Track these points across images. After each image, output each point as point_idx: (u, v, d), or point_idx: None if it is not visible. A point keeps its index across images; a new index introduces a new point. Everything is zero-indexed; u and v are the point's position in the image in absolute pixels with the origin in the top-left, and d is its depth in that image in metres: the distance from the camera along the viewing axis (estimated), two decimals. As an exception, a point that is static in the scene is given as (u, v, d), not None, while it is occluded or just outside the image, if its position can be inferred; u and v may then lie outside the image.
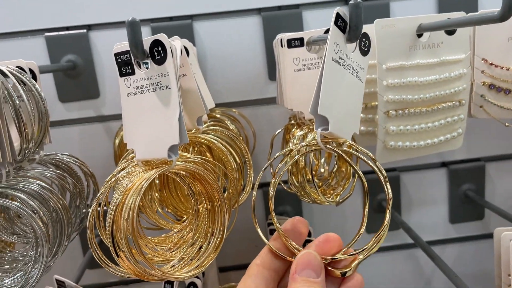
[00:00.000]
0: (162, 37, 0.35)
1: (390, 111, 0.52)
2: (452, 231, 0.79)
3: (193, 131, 0.48)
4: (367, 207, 0.38)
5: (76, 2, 0.66)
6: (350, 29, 0.37)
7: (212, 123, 0.54)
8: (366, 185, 0.38)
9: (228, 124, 0.61)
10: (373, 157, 0.39)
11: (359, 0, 0.36)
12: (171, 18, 0.68)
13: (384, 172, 0.37)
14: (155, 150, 0.37)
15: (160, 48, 0.36)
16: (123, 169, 0.40)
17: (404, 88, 0.52)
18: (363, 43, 0.39)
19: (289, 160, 0.53)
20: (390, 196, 0.36)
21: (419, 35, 0.52)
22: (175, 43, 0.43)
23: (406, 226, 0.65)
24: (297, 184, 0.53)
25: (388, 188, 0.36)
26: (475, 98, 0.58)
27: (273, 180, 0.38)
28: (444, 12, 0.69)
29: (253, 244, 0.77)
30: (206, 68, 0.70)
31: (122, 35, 0.68)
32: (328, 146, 0.38)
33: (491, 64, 0.56)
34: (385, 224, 0.37)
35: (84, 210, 0.51)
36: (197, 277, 0.59)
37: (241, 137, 0.63)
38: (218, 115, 0.63)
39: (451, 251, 0.79)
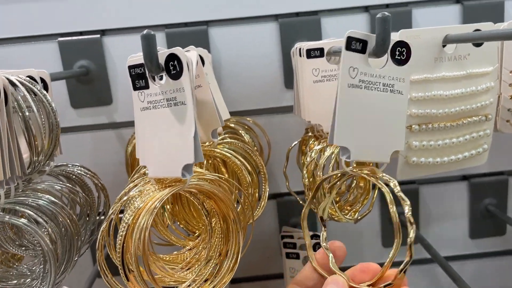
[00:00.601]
0: (178, 51, 0.34)
1: (413, 126, 0.50)
2: (472, 246, 0.76)
3: (207, 144, 0.46)
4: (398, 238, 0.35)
5: (90, 6, 0.65)
6: (377, 44, 0.35)
7: (227, 135, 0.52)
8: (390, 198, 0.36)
9: (243, 134, 0.60)
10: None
11: (387, 14, 0.34)
12: (186, 24, 0.67)
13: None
14: (169, 169, 0.35)
15: (176, 62, 0.34)
16: (135, 186, 0.38)
17: (428, 102, 0.50)
18: (397, 53, 0.37)
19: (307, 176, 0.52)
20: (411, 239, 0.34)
21: (444, 46, 0.50)
22: (191, 55, 0.42)
23: (426, 243, 0.63)
24: (313, 200, 0.51)
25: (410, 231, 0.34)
26: (502, 112, 0.56)
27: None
28: (469, 20, 0.68)
29: (265, 256, 0.75)
30: (220, 75, 0.68)
31: (136, 41, 0.66)
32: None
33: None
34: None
35: (94, 223, 0.50)
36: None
37: (255, 148, 0.62)
38: (232, 125, 0.61)
39: (471, 267, 0.77)
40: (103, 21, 0.65)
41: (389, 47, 0.35)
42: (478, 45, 0.51)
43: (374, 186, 0.56)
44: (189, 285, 0.37)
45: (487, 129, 0.53)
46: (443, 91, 0.49)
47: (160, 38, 0.66)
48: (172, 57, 0.34)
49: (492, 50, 0.52)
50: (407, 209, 0.35)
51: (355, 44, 0.35)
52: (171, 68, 0.34)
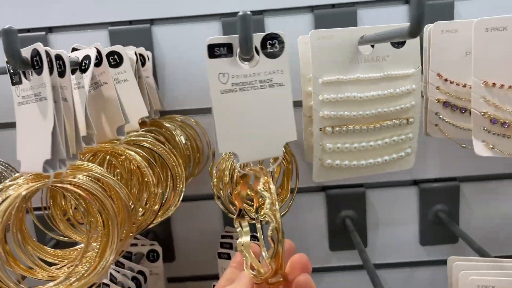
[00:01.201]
0: (38, 46, 0.34)
1: (327, 128, 0.49)
2: (423, 253, 0.74)
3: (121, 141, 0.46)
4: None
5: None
6: (240, 45, 0.34)
7: (142, 132, 0.51)
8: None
9: (176, 134, 0.59)
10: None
11: (247, 12, 0.33)
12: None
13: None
14: (34, 164, 0.35)
15: (38, 58, 0.34)
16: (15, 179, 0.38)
17: (341, 104, 0.49)
18: (269, 46, 0.36)
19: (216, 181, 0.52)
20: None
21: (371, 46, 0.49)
22: (88, 52, 0.42)
23: (361, 247, 0.62)
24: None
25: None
26: (429, 116, 0.54)
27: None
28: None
29: (211, 255, 0.74)
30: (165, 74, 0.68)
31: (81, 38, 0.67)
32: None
33: (446, 80, 0.52)
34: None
35: None
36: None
37: (187, 148, 0.61)
38: (167, 124, 0.61)
39: (422, 274, 0.75)
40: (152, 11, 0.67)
41: (252, 44, 0.34)
42: (398, 46, 0.50)
43: (292, 190, 0.56)
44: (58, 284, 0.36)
45: (410, 132, 0.52)
46: (357, 93, 0.49)
47: (104, 36, 0.67)
48: (36, 53, 0.34)
49: (415, 52, 0.50)
50: (268, 205, 0.34)
51: (219, 50, 0.34)
52: (35, 63, 0.34)
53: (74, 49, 0.48)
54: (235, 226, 0.39)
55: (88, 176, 0.38)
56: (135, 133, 0.51)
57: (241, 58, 0.35)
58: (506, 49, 0.42)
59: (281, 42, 0.36)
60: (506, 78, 0.42)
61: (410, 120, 0.51)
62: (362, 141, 0.50)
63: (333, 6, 0.66)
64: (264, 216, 0.36)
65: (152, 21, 0.67)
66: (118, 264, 0.64)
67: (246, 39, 0.33)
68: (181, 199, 0.52)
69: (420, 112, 0.52)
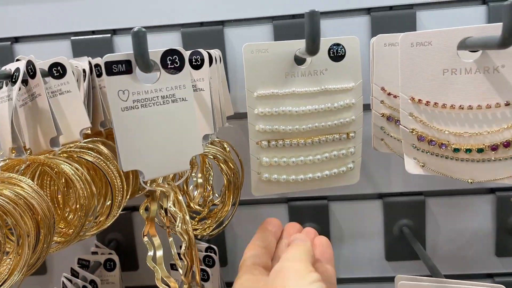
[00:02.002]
0: None
1: (262, 142, 0.49)
2: (389, 269, 0.72)
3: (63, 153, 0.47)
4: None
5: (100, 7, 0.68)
6: (137, 61, 0.34)
7: (83, 144, 0.52)
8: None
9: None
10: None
11: (142, 30, 0.33)
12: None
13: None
14: None
15: None
16: None
17: (276, 118, 0.48)
18: (169, 62, 0.36)
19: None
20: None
21: (301, 61, 0.48)
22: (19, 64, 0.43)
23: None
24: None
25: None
26: (374, 130, 0.53)
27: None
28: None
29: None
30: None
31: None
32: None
33: (389, 94, 0.51)
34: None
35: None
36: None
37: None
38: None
39: (388, 290, 0.73)
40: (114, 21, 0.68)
41: (148, 61, 0.34)
42: (337, 60, 0.49)
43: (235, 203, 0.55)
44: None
45: (351, 147, 0.51)
46: (292, 107, 0.49)
47: (177, 38, 0.67)
48: None
49: (354, 66, 0.50)
50: (179, 224, 0.34)
51: (118, 67, 0.34)
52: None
53: (17, 60, 0.49)
54: (144, 240, 0.39)
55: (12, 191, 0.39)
56: (76, 144, 0.51)
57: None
58: (431, 64, 0.40)
59: (181, 58, 0.36)
60: (432, 94, 0.41)
61: (350, 134, 0.50)
62: (300, 155, 0.49)
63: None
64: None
65: (114, 31, 0.68)
66: (74, 272, 0.64)
67: (142, 56, 0.33)
68: (119, 211, 0.52)
69: (361, 126, 0.51)
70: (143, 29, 0.33)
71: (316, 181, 0.51)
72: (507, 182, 0.40)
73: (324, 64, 0.48)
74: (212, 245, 0.65)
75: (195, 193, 0.57)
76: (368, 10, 0.65)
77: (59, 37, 0.68)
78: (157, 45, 0.67)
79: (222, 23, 0.67)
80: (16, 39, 0.69)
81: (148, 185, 0.36)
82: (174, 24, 0.67)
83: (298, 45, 0.47)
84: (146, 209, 0.42)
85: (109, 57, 0.34)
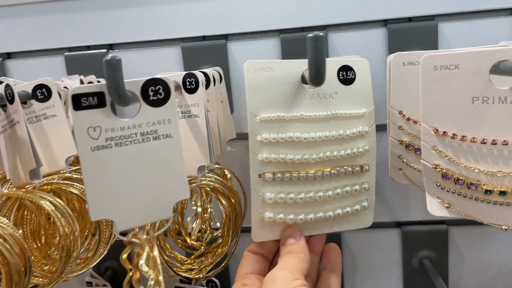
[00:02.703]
0: None
1: (266, 174, 0.42)
2: (408, 304, 0.66)
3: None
4: None
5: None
6: (110, 94, 0.29)
7: (66, 175, 0.47)
8: None
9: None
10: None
11: (115, 57, 0.28)
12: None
13: None
14: None
15: None
16: None
17: (283, 146, 0.42)
18: (151, 93, 0.31)
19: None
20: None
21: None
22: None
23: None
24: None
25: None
26: (392, 159, 0.47)
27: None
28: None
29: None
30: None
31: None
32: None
33: (409, 119, 0.45)
34: None
35: None
36: None
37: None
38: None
39: (407, 327, 0.67)
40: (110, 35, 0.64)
41: (124, 93, 0.29)
42: (347, 83, 0.43)
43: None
44: None
45: (365, 182, 0.44)
46: (301, 133, 0.42)
47: (177, 53, 0.63)
48: None
49: (366, 90, 0.44)
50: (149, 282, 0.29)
51: (88, 100, 0.29)
52: None
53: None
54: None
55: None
56: (60, 175, 0.47)
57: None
58: (458, 91, 0.35)
59: (167, 88, 0.31)
60: (459, 126, 0.35)
61: (364, 167, 0.44)
62: (310, 190, 0.42)
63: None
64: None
65: (110, 46, 0.64)
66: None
67: (116, 88, 0.28)
68: (108, 247, 0.47)
69: (375, 158, 0.44)
70: (117, 57, 0.28)
71: (326, 222, 0.44)
72: (550, 231, 0.34)
73: (334, 87, 0.42)
74: (213, 279, 0.60)
75: (194, 224, 0.52)
76: (384, 22, 0.59)
77: (52, 53, 0.64)
78: (156, 61, 0.63)
79: (225, 36, 0.62)
80: (8, 55, 0.65)
81: (125, 236, 0.31)
82: (174, 38, 0.62)
83: (306, 65, 0.41)
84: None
85: (77, 89, 0.29)
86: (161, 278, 0.28)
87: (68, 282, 0.64)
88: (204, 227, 0.49)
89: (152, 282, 0.28)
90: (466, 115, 0.35)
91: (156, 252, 0.29)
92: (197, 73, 0.39)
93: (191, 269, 0.47)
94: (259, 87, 0.41)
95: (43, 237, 0.47)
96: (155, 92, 0.31)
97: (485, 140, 0.34)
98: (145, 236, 0.31)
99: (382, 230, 0.64)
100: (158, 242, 0.45)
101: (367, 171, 0.44)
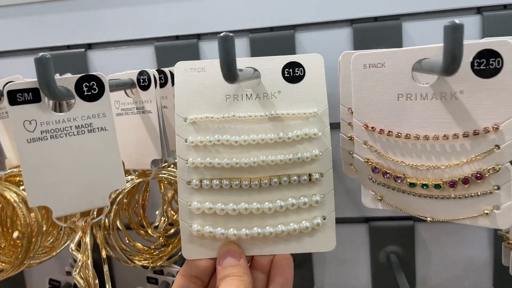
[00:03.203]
0: None
1: (193, 181, 0.38)
2: (376, 298, 0.67)
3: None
4: None
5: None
6: (41, 90, 0.31)
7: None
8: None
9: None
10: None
11: (45, 55, 0.30)
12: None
13: None
14: None
15: None
16: None
17: (213, 150, 0.38)
18: (84, 90, 0.33)
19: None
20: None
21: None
22: None
23: None
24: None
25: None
26: (343, 154, 0.49)
27: None
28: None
29: None
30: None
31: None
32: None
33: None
34: None
35: None
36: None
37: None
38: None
39: (376, 320, 0.68)
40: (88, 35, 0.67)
41: (55, 89, 0.31)
42: (293, 81, 0.40)
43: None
44: None
45: (316, 195, 0.38)
46: (231, 135, 0.38)
47: (151, 52, 0.65)
48: None
49: (318, 88, 0.39)
50: (77, 268, 0.31)
51: (23, 96, 0.32)
52: None
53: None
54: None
55: None
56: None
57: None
58: (385, 88, 0.36)
59: (101, 84, 0.33)
60: (386, 122, 0.37)
61: (313, 176, 0.38)
62: (244, 201, 0.37)
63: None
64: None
65: (89, 46, 0.66)
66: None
67: (47, 85, 0.31)
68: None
69: (331, 167, 0.38)
70: (47, 56, 0.30)
71: (268, 240, 0.38)
72: (469, 223, 0.35)
73: (277, 85, 0.39)
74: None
75: (161, 217, 0.55)
76: (351, 22, 0.61)
77: (34, 52, 0.67)
78: (131, 59, 0.65)
79: (198, 36, 0.64)
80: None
81: (63, 221, 0.34)
82: (149, 38, 0.65)
83: (244, 63, 0.39)
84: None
85: (12, 85, 0.31)
86: (89, 261, 0.30)
87: (49, 273, 0.68)
88: (162, 220, 0.51)
89: (80, 264, 0.30)
90: (392, 111, 0.36)
91: (88, 238, 0.31)
92: (150, 71, 0.41)
93: (151, 258, 0.49)
94: (190, 88, 0.39)
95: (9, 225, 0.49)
96: (89, 88, 0.33)
97: (409, 135, 0.35)
98: (82, 223, 0.34)
99: (351, 225, 0.66)
100: (106, 230, 0.47)
101: (318, 181, 0.38)
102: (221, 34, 0.29)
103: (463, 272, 0.65)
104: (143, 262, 0.49)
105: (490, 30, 0.57)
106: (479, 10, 0.58)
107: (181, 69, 0.40)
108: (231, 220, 0.37)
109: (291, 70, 0.39)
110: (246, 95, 0.39)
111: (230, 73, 0.29)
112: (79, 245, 0.33)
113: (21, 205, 0.45)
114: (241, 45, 0.63)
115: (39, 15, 0.66)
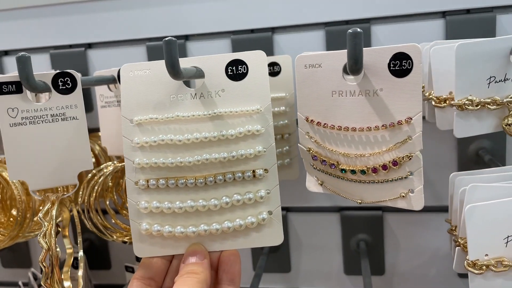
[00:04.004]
0: None
1: (140, 180, 0.39)
2: (348, 283, 0.72)
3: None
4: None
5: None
6: (23, 84, 0.37)
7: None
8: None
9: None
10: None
11: (24, 54, 0.36)
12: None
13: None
14: None
15: None
16: None
17: (158, 150, 0.39)
18: (60, 84, 0.39)
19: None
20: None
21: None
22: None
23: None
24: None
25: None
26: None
27: None
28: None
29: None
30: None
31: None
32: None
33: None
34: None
35: None
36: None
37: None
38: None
39: (348, 304, 0.73)
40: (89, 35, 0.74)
41: (34, 84, 0.37)
42: (237, 79, 0.40)
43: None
44: None
45: (261, 190, 0.39)
46: (175, 135, 0.39)
47: (227, 45, 0.69)
48: None
49: (261, 86, 0.40)
50: (42, 233, 0.37)
51: (8, 87, 0.38)
52: None
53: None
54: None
55: None
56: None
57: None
58: (321, 86, 0.41)
59: (74, 80, 0.39)
60: (323, 115, 0.42)
61: (257, 172, 0.39)
62: (190, 199, 0.39)
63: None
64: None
65: (89, 45, 0.73)
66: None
67: (26, 79, 0.37)
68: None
69: (275, 162, 0.40)
70: (27, 55, 0.36)
71: (214, 237, 0.39)
72: (390, 204, 0.40)
73: (221, 84, 0.40)
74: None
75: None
76: (325, 25, 0.65)
77: (40, 51, 0.74)
78: (126, 58, 0.71)
79: (186, 37, 0.70)
80: (6, 52, 0.76)
81: (37, 194, 0.40)
82: (141, 39, 0.71)
83: (188, 63, 0.40)
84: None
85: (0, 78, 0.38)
86: (53, 229, 0.37)
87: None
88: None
89: (44, 229, 0.37)
90: (327, 106, 0.41)
91: (55, 210, 0.38)
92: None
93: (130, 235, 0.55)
94: (136, 90, 0.40)
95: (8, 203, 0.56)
96: (64, 83, 0.39)
97: (340, 127, 0.40)
98: (54, 198, 0.40)
99: (324, 214, 0.71)
100: (90, 210, 0.53)
101: (263, 178, 0.39)
102: (166, 39, 0.34)
103: (429, 260, 0.69)
104: (125, 238, 0.55)
105: (453, 33, 0.61)
106: (444, 14, 0.62)
107: (126, 71, 0.40)
108: (178, 218, 0.39)
109: (234, 68, 0.39)
110: (191, 94, 0.40)
111: (174, 70, 0.35)
112: (48, 214, 0.39)
113: (17, 185, 0.51)
114: (223, 46, 0.68)
115: (46, 18, 0.73)
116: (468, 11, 0.61)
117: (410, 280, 0.70)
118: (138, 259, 0.71)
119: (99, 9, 0.71)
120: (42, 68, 0.74)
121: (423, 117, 0.57)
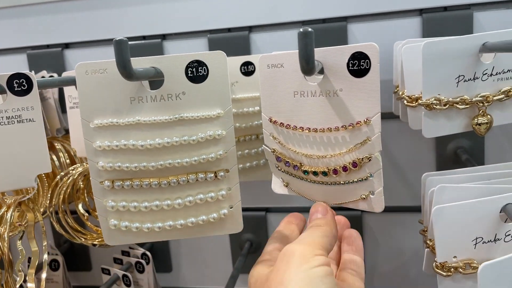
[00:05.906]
0: None
1: (105, 182, 0.40)
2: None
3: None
4: None
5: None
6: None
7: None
8: None
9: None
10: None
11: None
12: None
13: None
14: None
15: None
16: None
17: (120, 153, 0.39)
18: (15, 85, 0.39)
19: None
20: None
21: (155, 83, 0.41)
22: None
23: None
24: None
25: None
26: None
27: None
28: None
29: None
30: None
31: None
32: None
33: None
34: None
35: None
36: None
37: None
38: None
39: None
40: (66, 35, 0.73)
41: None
42: (197, 81, 0.39)
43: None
44: None
45: (223, 189, 0.41)
46: (136, 140, 0.39)
47: (203, 44, 0.68)
48: None
49: (221, 88, 0.39)
50: None
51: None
52: None
53: None
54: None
55: None
56: None
57: None
58: (284, 86, 0.40)
59: (30, 81, 0.39)
60: (286, 116, 0.41)
61: (219, 173, 0.40)
62: (156, 199, 0.40)
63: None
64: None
65: (66, 45, 0.72)
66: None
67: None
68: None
69: (236, 163, 0.41)
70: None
71: (182, 230, 0.41)
72: (352, 206, 0.40)
73: (181, 86, 0.39)
74: (146, 252, 0.68)
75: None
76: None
77: (17, 51, 0.73)
78: (103, 58, 0.71)
79: (163, 36, 0.69)
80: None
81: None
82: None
83: (146, 63, 0.39)
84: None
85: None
86: (6, 234, 0.36)
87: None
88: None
89: (-1, 234, 0.36)
90: (290, 106, 0.40)
91: (10, 214, 0.37)
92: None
93: (101, 238, 0.55)
94: (93, 91, 0.39)
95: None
96: (19, 84, 0.38)
97: (303, 128, 0.40)
98: (11, 201, 0.39)
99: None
100: (62, 212, 0.53)
101: (224, 178, 0.41)
102: (116, 39, 0.34)
103: (409, 260, 0.68)
104: (96, 241, 0.55)
105: (430, 30, 0.61)
106: (421, 12, 0.62)
107: (82, 71, 0.38)
108: (145, 217, 0.40)
109: (194, 69, 0.38)
110: (151, 96, 0.39)
111: (125, 71, 0.34)
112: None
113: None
114: (200, 45, 0.68)
115: (22, 18, 0.72)
116: (445, 8, 0.61)
117: (390, 281, 0.69)
118: (115, 261, 0.70)
119: (76, 9, 0.71)
120: (20, 69, 0.73)
121: (397, 116, 0.57)
